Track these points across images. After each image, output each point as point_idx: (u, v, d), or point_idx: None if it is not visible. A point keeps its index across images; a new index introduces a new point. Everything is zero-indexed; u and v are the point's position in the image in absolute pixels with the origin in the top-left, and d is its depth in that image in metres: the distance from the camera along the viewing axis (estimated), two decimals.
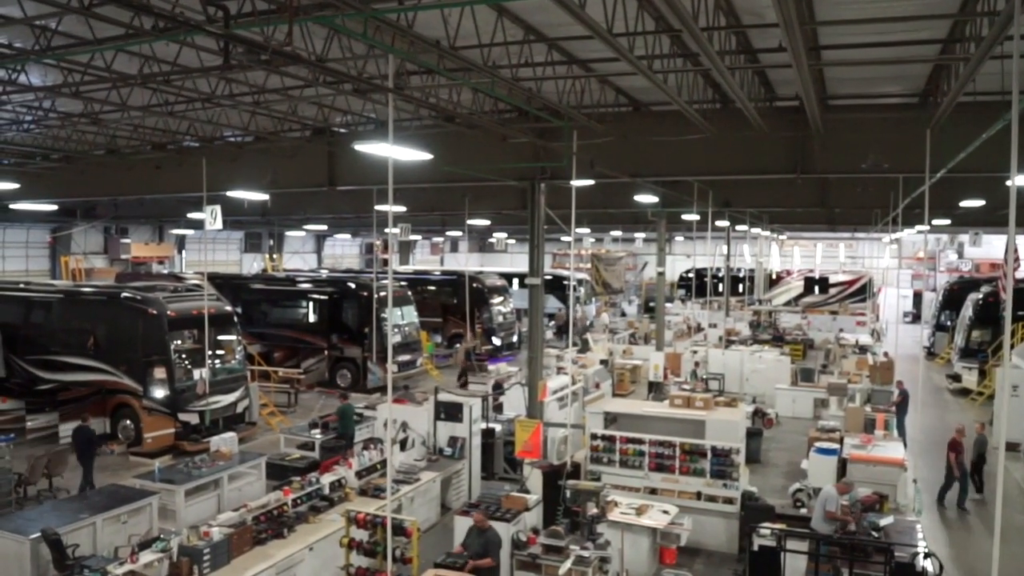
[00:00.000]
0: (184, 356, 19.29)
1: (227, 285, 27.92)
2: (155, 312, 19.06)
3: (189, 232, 43.13)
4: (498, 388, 19.87)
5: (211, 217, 17.66)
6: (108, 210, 34.51)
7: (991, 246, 42.32)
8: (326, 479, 12.71)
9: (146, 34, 8.95)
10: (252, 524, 10.89)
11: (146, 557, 9.71)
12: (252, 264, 49.87)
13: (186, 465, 14.52)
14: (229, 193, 18.94)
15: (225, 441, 15.57)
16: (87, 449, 15.59)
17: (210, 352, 19.02)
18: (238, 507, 11.49)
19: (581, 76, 13.35)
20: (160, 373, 18.68)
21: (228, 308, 21.34)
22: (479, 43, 10.44)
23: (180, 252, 45.79)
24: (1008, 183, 6.59)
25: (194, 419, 18.78)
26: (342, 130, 18.31)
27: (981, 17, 9.24)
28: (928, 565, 10.11)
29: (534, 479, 13.33)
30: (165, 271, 41.19)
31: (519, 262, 53.84)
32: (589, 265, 53.87)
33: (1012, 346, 18.86)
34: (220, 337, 20.26)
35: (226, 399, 19.56)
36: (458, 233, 48.88)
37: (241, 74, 12.68)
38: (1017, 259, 27.23)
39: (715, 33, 9.87)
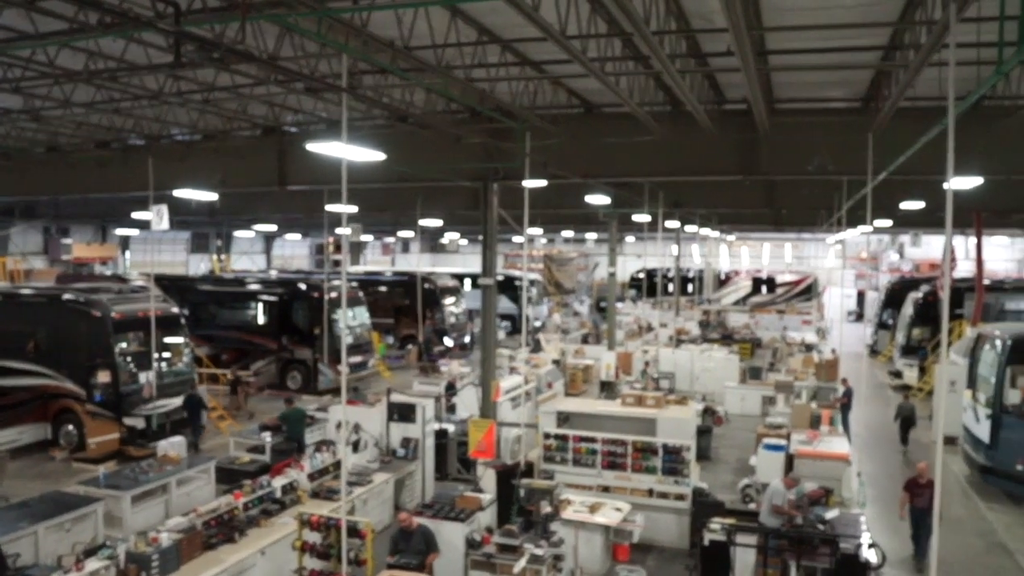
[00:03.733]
0: (130, 359, 18.88)
1: (174, 286, 27.44)
2: (99, 314, 18.61)
3: (134, 232, 42.22)
4: (451, 388, 19.86)
5: (158, 217, 17.34)
6: (48, 209, 33.63)
7: (930, 246, 43.70)
8: (278, 482, 12.56)
9: (92, 29, 8.77)
10: (202, 529, 10.71)
11: (92, 565, 9.50)
12: (199, 265, 49.03)
13: (132, 470, 14.19)
14: (177, 193, 18.59)
15: (173, 445, 15.29)
16: None
17: (157, 355, 18.67)
18: (187, 512, 11.29)
19: (534, 77, 13.43)
20: (105, 377, 18.26)
21: (175, 310, 20.95)
22: (433, 44, 10.46)
23: (124, 253, 44.79)
24: (946, 185, 6.83)
25: (140, 423, 18.39)
26: (293, 129, 18.13)
27: (919, 26, 9.55)
28: (871, 556, 10.43)
29: (488, 479, 13.38)
30: (108, 272, 40.26)
31: (471, 262, 53.89)
32: (542, 266, 54.10)
33: (950, 344, 19.44)
34: (167, 339, 19.88)
35: (173, 402, 19.19)
36: (410, 234, 48.71)
37: (190, 71, 12.48)
38: (954, 260, 28.10)
39: (666, 37, 10.02)
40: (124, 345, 18.92)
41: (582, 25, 9.54)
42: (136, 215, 29.94)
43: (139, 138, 18.62)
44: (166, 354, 19.89)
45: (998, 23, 7.34)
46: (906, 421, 19.89)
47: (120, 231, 42.29)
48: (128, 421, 18.23)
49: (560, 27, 8.88)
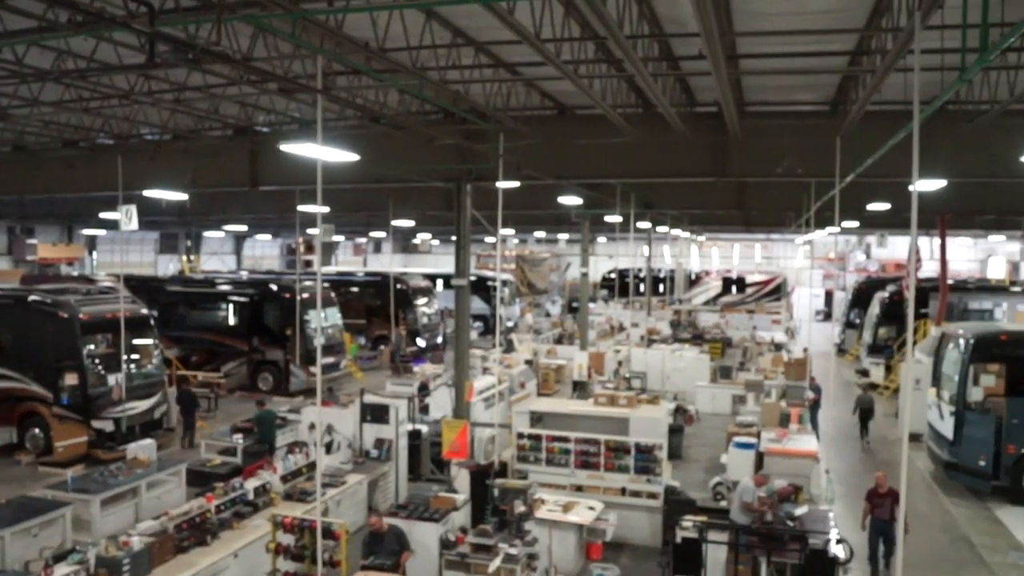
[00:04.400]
0: (98, 361, 18.65)
1: (143, 287, 27.09)
2: (66, 315, 18.36)
3: (101, 233, 41.62)
4: (424, 389, 19.85)
5: (126, 217, 17.14)
6: (14, 209, 33.04)
7: (896, 247, 44.41)
8: (250, 484, 12.49)
9: (64, 28, 8.65)
10: (174, 532, 10.62)
11: (61, 570, 9.37)
12: (168, 266, 48.47)
13: (101, 474, 14.02)
14: (146, 193, 18.41)
15: (142, 448, 15.13)
16: None
17: (126, 356, 18.46)
18: (159, 515, 11.20)
19: (508, 80, 13.50)
20: (72, 379, 17.97)
21: (144, 311, 20.71)
22: (408, 45, 10.47)
23: (91, 253, 44.15)
24: (911, 188, 6.99)
25: (109, 426, 18.17)
26: (265, 129, 18.01)
27: (885, 32, 9.75)
28: (840, 551, 10.61)
29: (462, 479, 13.41)
30: (75, 273, 39.66)
31: (443, 263, 53.78)
32: (514, 266, 54.18)
33: (915, 342, 19.81)
34: (136, 341, 19.65)
35: (143, 405, 18.99)
36: (382, 234, 48.53)
37: (162, 71, 12.37)
38: (919, 260, 28.57)
39: (639, 41, 10.13)
40: (92, 347, 18.67)
41: (556, 28, 9.61)
42: (104, 215, 29.58)
43: (108, 137, 18.40)
44: (135, 356, 19.67)
45: (961, 31, 7.54)
46: (865, 413, 20.81)
47: (87, 231, 41.67)
48: (96, 424, 17.97)
49: (535, 30, 8.94)
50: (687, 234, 45.84)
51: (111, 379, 18.47)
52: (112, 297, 19.68)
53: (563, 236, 47.93)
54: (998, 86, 12.31)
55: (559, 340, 32.47)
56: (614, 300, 44.04)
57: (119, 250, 39.48)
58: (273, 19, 8.30)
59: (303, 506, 12.26)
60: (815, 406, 19.38)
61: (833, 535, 10.81)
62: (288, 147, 11.93)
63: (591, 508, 12.63)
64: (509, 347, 27.52)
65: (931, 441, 17.63)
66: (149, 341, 20.33)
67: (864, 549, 12.45)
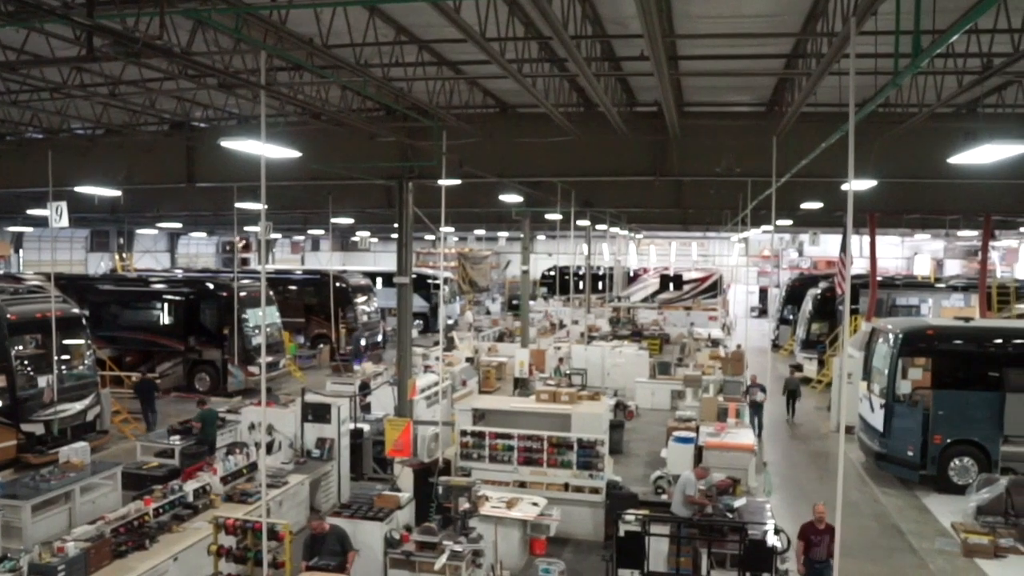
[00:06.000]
0: (27, 362, 18.07)
1: (74, 286, 26.28)
2: None
3: (28, 230, 40.21)
4: (365, 388, 19.72)
5: (56, 214, 16.64)
6: None
7: (828, 245, 45.55)
8: (190, 486, 12.26)
9: None
10: (111, 537, 10.38)
11: None
12: (99, 264, 47.10)
13: (32, 478, 13.59)
14: (78, 189, 17.86)
15: (76, 451, 14.70)
16: None
17: (57, 357, 17.91)
18: (94, 520, 10.93)
19: (451, 78, 13.49)
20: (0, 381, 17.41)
21: (76, 310, 20.12)
22: (351, 42, 10.40)
23: (17, 251, 42.63)
24: (844, 187, 7.23)
25: (40, 429, 17.61)
26: (202, 125, 17.64)
27: (821, 37, 10.05)
28: (777, 541, 10.93)
29: (405, 477, 13.41)
30: (0, 271, 38.26)
31: (383, 261, 53.47)
32: (456, 264, 54.11)
33: (847, 337, 20.41)
34: (67, 341, 19.07)
35: (75, 407, 18.45)
36: (320, 232, 47.93)
37: (95, 64, 12.02)
38: (851, 257, 29.44)
39: (582, 41, 10.23)
40: (21, 348, 18.12)
41: (501, 27, 9.66)
42: (32, 212, 28.55)
43: (37, 132, 17.80)
44: (67, 357, 19.11)
45: (894, 37, 7.83)
46: (791, 394, 22.85)
47: (12, 228, 40.21)
48: (26, 427, 17.41)
49: (480, 29, 8.97)
50: (626, 232, 46.38)
51: (41, 381, 17.95)
52: (42, 296, 19.10)
53: (503, 234, 47.99)
54: (926, 90, 12.78)
55: (500, 338, 32.57)
56: (554, 298, 44.30)
57: (48, 248, 38.18)
58: (217, 14, 8.15)
59: (244, 507, 12.09)
60: (760, 406, 19.56)
61: (771, 526, 11.13)
62: (229, 143, 11.73)
63: (535, 504, 12.72)
64: (450, 345, 27.51)
65: (862, 433, 18.20)
66: (81, 341, 19.78)
67: None
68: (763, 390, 19.65)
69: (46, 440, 17.49)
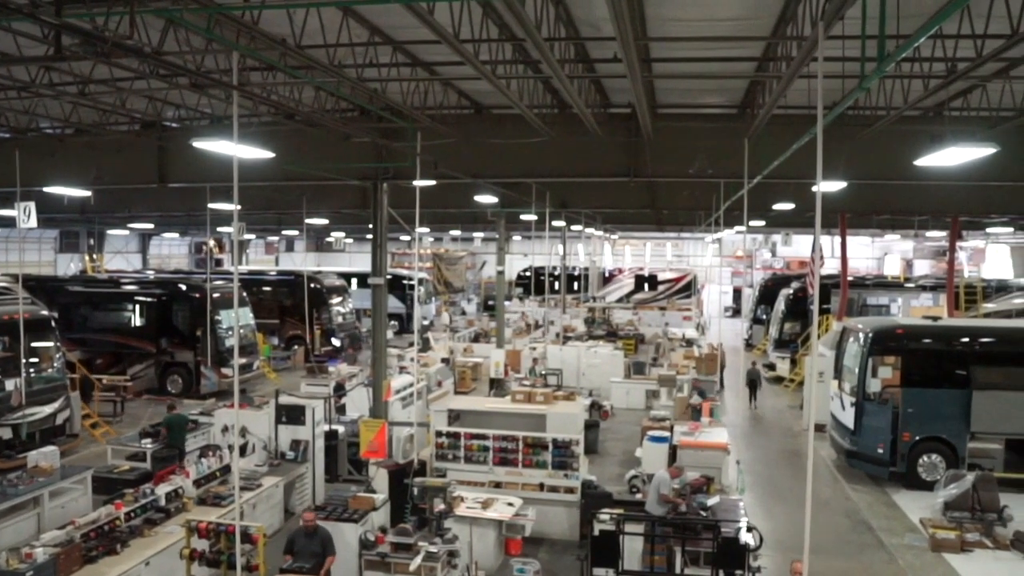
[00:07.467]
0: None
1: (42, 288, 25.97)
2: None
3: None
4: (340, 389, 19.64)
5: (24, 215, 16.43)
6: None
7: (800, 245, 46.10)
8: (161, 490, 12.14)
9: None
10: (81, 541, 10.26)
11: None
12: (69, 265, 46.47)
13: (0, 483, 13.42)
14: (47, 189, 17.63)
15: (45, 455, 14.50)
16: None
17: (25, 360, 17.66)
18: (64, 525, 10.80)
19: (425, 79, 13.48)
20: None
21: (45, 312, 19.86)
22: (325, 43, 10.36)
23: None
24: (814, 188, 7.34)
25: (7, 433, 17.35)
26: (174, 125, 17.48)
27: (790, 41, 10.18)
28: (750, 539, 11.04)
29: (380, 478, 13.37)
30: None
31: (358, 261, 53.20)
32: (431, 264, 54.01)
33: (819, 337, 20.66)
34: (36, 344, 18.84)
35: (44, 410, 18.20)
36: (294, 232, 47.65)
37: (65, 63, 11.88)
38: (822, 257, 29.80)
39: (556, 43, 10.28)
40: None
41: (475, 29, 9.68)
42: None
43: (4, 131, 17.54)
44: (35, 359, 18.86)
45: (861, 41, 7.95)
46: (752, 383, 24.43)
47: None
48: None
49: (454, 30, 8.99)
50: (601, 233, 46.55)
51: (9, 384, 17.66)
52: (9, 298, 18.80)
53: (479, 235, 48.01)
54: (893, 94, 12.97)
55: (475, 338, 32.57)
56: (529, 298, 44.37)
57: (15, 249, 37.58)
58: (188, 13, 8.09)
59: (218, 510, 12.01)
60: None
61: (744, 524, 11.25)
62: (201, 143, 11.65)
63: (510, 504, 12.75)
64: (426, 346, 27.47)
65: (833, 431, 18.44)
66: (50, 344, 19.53)
67: (773, 528, 12.95)
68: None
69: (14, 444, 17.21)
